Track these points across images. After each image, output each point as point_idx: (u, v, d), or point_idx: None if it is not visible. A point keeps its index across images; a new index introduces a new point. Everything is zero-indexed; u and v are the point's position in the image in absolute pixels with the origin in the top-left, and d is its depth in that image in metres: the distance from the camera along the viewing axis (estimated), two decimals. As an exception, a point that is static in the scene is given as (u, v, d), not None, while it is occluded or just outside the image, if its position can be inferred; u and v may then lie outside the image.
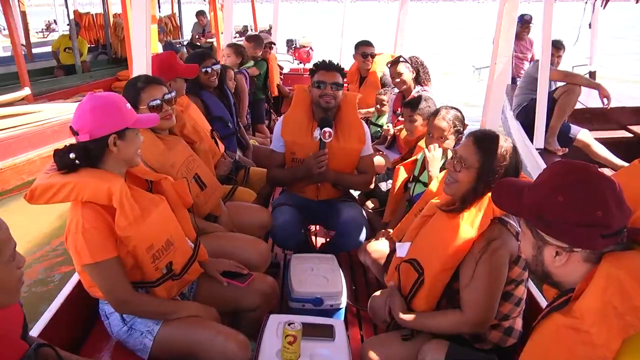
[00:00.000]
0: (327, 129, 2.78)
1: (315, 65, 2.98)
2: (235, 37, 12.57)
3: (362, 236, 2.84)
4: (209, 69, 3.42)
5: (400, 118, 3.71)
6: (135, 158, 1.87)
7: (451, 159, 1.93)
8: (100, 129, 1.76)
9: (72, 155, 1.74)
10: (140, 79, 2.37)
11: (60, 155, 1.76)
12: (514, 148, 1.87)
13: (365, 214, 3.00)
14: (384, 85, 4.88)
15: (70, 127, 1.79)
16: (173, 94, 2.42)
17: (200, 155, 2.66)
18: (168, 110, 2.37)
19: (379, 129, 4.44)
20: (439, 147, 2.57)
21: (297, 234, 2.86)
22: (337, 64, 2.93)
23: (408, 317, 1.92)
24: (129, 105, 1.85)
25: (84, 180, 1.73)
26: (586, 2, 5.15)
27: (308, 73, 3.19)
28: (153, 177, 2.05)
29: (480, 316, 1.77)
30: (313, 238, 3.60)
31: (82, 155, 1.76)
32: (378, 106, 4.52)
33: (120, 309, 1.87)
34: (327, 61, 2.95)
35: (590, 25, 3.82)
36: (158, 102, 2.31)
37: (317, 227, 3.70)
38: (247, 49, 5.37)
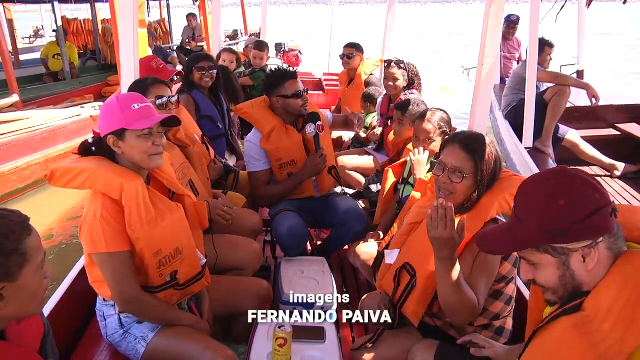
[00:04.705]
0: (319, 123, 2.86)
1: (275, 76, 2.90)
2: (225, 41, 12.61)
3: (362, 226, 2.82)
4: (204, 71, 3.50)
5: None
6: (144, 161, 1.81)
7: (443, 172, 1.85)
8: (102, 128, 1.80)
9: (90, 140, 1.85)
10: (149, 77, 2.49)
11: (83, 142, 1.87)
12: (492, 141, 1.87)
13: None
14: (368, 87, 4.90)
15: None
16: (176, 98, 2.52)
17: (194, 158, 2.67)
18: (172, 111, 2.42)
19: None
20: (425, 149, 2.56)
21: (305, 238, 2.82)
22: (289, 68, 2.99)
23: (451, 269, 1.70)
24: (138, 105, 1.78)
25: (101, 171, 1.76)
26: (573, 3, 5.19)
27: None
28: (177, 190, 2.02)
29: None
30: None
31: (98, 144, 1.84)
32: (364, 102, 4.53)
33: (125, 306, 1.84)
34: (286, 69, 2.99)
35: (556, 19, 3.87)
36: (165, 99, 2.41)
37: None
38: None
